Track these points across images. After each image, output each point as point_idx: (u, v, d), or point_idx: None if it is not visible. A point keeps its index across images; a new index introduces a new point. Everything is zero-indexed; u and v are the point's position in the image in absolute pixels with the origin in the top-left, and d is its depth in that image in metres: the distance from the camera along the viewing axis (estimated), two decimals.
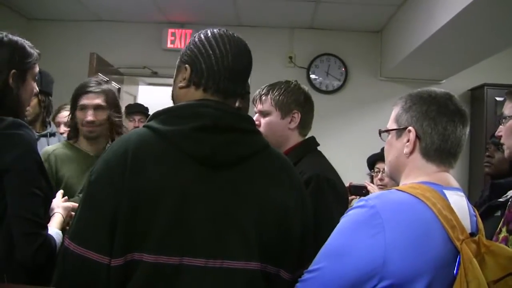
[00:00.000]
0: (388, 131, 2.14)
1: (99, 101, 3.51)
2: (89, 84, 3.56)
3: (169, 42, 7.64)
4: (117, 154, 1.93)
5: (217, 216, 1.90)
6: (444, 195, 1.87)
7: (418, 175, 2.00)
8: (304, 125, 3.05)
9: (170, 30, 7.66)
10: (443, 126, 1.97)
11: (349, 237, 1.82)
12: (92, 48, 6.89)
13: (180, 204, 1.87)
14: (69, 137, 3.70)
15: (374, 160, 4.91)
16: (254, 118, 3.04)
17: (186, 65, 2.12)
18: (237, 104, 2.23)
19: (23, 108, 2.68)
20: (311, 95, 3.11)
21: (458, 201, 1.91)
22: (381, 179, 4.77)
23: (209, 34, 2.13)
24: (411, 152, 2.02)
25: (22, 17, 7.75)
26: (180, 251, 1.85)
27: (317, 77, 7.56)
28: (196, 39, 2.15)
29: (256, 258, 1.91)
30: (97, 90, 3.55)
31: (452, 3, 4.70)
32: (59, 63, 5.97)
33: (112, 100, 3.58)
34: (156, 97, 7.83)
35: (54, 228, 2.60)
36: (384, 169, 4.78)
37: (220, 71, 2.06)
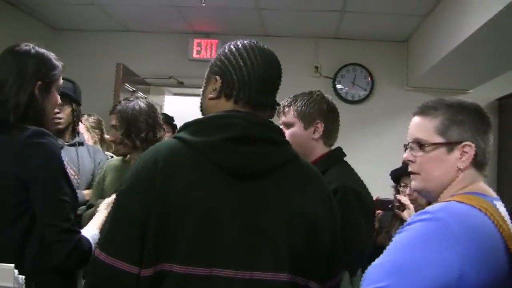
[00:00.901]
0: (436, 144, 2.03)
1: (113, 121, 3.61)
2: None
3: (195, 52, 7.64)
4: (147, 164, 1.93)
5: (246, 227, 1.89)
6: (495, 205, 1.85)
7: (463, 186, 1.96)
8: (329, 135, 3.03)
9: (196, 40, 7.65)
10: (489, 139, 2.03)
11: (420, 252, 1.70)
12: (118, 58, 6.93)
13: (209, 214, 1.87)
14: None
15: (399, 175, 4.84)
16: None
17: (217, 76, 2.11)
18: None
19: (47, 118, 2.71)
20: (337, 105, 3.09)
21: (504, 211, 1.87)
22: (409, 194, 4.71)
23: (240, 45, 2.12)
24: (467, 168, 2.00)
25: (49, 28, 7.81)
26: (209, 261, 1.84)
27: (343, 87, 7.52)
28: (227, 50, 2.13)
29: (285, 269, 1.89)
30: (112, 110, 3.66)
31: (479, 12, 4.66)
32: (86, 73, 6.01)
33: (124, 119, 3.62)
34: (182, 107, 7.85)
35: (94, 229, 2.63)
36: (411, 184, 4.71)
37: (251, 82, 2.05)
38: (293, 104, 3.05)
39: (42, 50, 2.79)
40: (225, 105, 2.06)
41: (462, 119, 2.00)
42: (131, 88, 6.94)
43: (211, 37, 7.66)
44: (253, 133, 1.97)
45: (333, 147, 3.04)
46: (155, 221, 1.84)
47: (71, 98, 3.83)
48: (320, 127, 2.98)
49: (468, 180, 1.97)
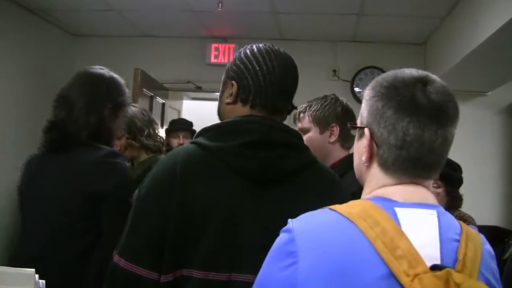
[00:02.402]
0: (353, 127, 1.71)
1: None
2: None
3: (212, 56, 7.65)
4: (166, 170, 1.95)
5: (265, 231, 1.84)
6: (394, 214, 1.42)
7: (374, 187, 1.59)
8: (346, 138, 3.04)
9: (214, 45, 7.67)
10: (403, 128, 1.49)
11: (263, 270, 1.50)
12: (136, 63, 6.96)
13: (228, 220, 1.88)
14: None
15: None
16: None
17: (233, 81, 2.12)
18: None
19: (113, 140, 2.81)
20: (356, 108, 3.09)
21: (420, 222, 1.43)
22: None
23: (255, 50, 2.12)
24: (370, 160, 1.60)
25: (67, 33, 7.85)
26: (228, 267, 1.86)
27: (361, 90, 7.47)
28: (242, 55, 2.14)
29: None
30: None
31: (497, 15, 4.64)
32: None
33: (127, 125, 3.73)
34: (200, 111, 7.87)
35: None
36: (433, 183, 4.73)
37: (267, 87, 2.05)
38: (307, 109, 3.08)
39: (115, 75, 2.98)
40: (242, 110, 2.08)
41: (371, 96, 1.59)
42: (149, 93, 6.96)
43: (229, 42, 7.67)
44: (271, 137, 1.98)
45: (351, 151, 3.04)
46: (174, 227, 1.85)
47: None
48: (336, 130, 2.99)
49: (376, 181, 1.59)
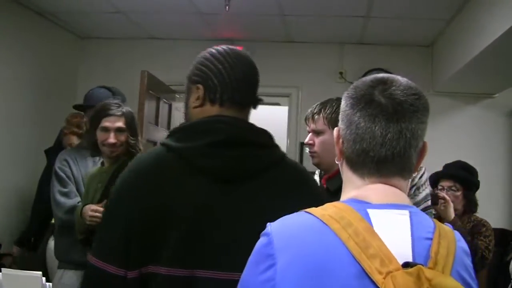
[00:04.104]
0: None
1: (120, 124, 3.72)
2: (111, 107, 3.76)
3: None
4: (135, 173, 2.06)
5: (230, 229, 1.95)
6: (367, 215, 1.45)
7: (348, 189, 1.61)
8: None
9: None
10: (355, 122, 1.55)
11: (245, 273, 1.54)
12: (143, 65, 6.94)
13: (193, 219, 1.94)
14: (93, 155, 4.05)
15: (437, 178, 4.88)
16: (308, 138, 3.12)
17: (198, 85, 2.18)
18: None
19: None
20: None
21: (392, 222, 1.46)
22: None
23: (214, 51, 2.21)
24: (341, 159, 1.65)
25: (74, 36, 7.88)
26: (192, 263, 1.92)
27: None
28: (202, 59, 2.23)
29: None
30: (119, 113, 3.75)
31: (503, 16, 4.64)
32: (111, 81, 6.02)
33: (130, 122, 3.79)
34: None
35: None
36: (449, 186, 4.75)
37: (232, 82, 2.13)
38: (322, 111, 3.04)
39: None
40: (210, 110, 2.14)
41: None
42: (156, 95, 6.97)
43: (236, 44, 7.55)
44: (237, 137, 2.05)
45: None
46: (141, 228, 1.93)
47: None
48: None
49: (348, 181, 1.63)
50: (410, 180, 1.65)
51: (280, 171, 2.10)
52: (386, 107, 1.52)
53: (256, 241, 1.67)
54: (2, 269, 1.67)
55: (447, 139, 7.09)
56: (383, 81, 1.58)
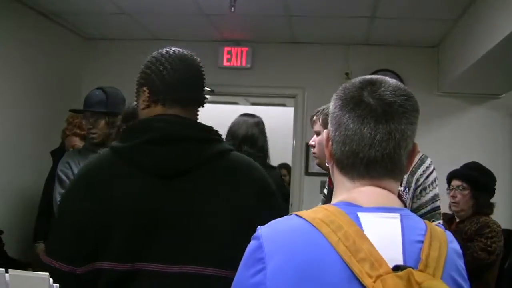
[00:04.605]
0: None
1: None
2: None
3: (225, 60, 7.67)
4: (80, 175, 2.22)
5: (170, 224, 2.04)
6: (357, 218, 1.45)
7: (340, 192, 1.61)
8: None
9: (226, 48, 7.69)
10: (344, 124, 1.55)
11: (237, 277, 1.54)
12: None
13: (135, 215, 2.04)
14: None
15: (450, 177, 4.88)
16: (312, 139, 3.28)
17: (144, 87, 2.28)
18: None
19: None
20: None
21: (382, 226, 1.46)
22: (453, 196, 4.75)
23: (158, 54, 2.33)
24: (331, 162, 1.65)
25: (79, 37, 7.89)
26: (133, 258, 2.01)
27: None
28: (148, 62, 2.35)
29: (212, 263, 2.00)
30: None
31: (510, 17, 4.62)
32: (116, 82, 6.01)
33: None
34: (212, 114, 7.87)
35: None
36: (457, 185, 4.74)
37: (173, 82, 2.22)
38: (319, 113, 3.15)
39: None
40: (155, 110, 2.23)
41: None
42: None
43: (242, 45, 7.68)
44: (173, 134, 2.13)
45: None
46: (86, 227, 2.04)
47: (103, 111, 4.18)
48: None
49: (339, 184, 1.63)
50: (400, 181, 1.65)
51: (223, 163, 2.17)
52: (375, 108, 1.52)
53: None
54: (10, 270, 1.67)
55: (453, 139, 7.11)
56: (371, 82, 1.58)
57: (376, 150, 1.51)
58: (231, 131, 4.78)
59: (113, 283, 1.96)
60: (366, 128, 1.51)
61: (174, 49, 2.34)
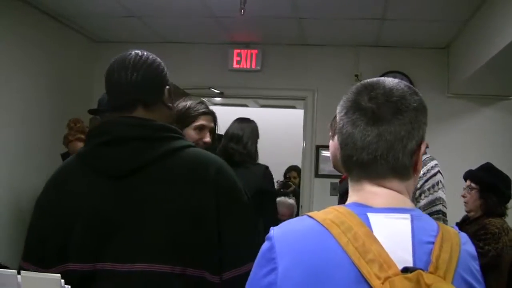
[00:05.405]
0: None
1: (212, 124, 3.64)
2: (205, 106, 3.68)
3: (235, 62, 7.67)
4: (49, 181, 2.28)
5: (126, 223, 2.07)
6: (367, 219, 1.46)
7: (351, 194, 1.62)
8: None
9: (236, 51, 7.69)
10: (343, 128, 1.58)
11: (250, 277, 1.54)
12: None
13: (91, 216, 2.10)
14: None
15: (463, 177, 4.88)
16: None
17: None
18: None
19: None
20: None
21: (392, 227, 1.46)
22: (463, 196, 4.75)
23: (112, 61, 2.34)
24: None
25: (89, 40, 7.91)
26: (94, 258, 2.06)
27: None
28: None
29: (168, 261, 2.01)
30: (211, 113, 3.67)
31: None
32: None
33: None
34: (223, 117, 7.87)
35: None
36: (467, 185, 4.74)
37: (115, 88, 2.28)
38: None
39: None
40: (113, 115, 2.28)
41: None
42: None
43: (251, 47, 7.69)
44: (124, 134, 2.16)
45: None
46: (50, 229, 2.14)
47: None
48: None
49: (350, 186, 1.63)
50: (413, 182, 1.64)
51: (173, 163, 2.16)
52: (365, 111, 1.53)
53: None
54: (21, 271, 1.67)
55: (464, 141, 7.10)
56: (366, 87, 1.59)
57: (368, 152, 1.52)
58: (225, 132, 5.03)
59: (77, 284, 1.96)
60: (356, 131, 1.53)
61: (123, 54, 2.36)
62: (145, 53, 2.37)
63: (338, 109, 1.62)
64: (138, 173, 2.11)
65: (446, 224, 3.27)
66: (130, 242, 2.05)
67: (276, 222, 1.65)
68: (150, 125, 2.22)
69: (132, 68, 2.26)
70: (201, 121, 3.55)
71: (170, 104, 2.40)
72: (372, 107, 1.53)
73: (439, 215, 3.41)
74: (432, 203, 3.41)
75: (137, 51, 2.37)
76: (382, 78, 1.64)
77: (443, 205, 3.45)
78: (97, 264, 2.04)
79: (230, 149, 4.80)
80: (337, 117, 1.63)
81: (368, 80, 1.64)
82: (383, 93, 1.55)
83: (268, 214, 4.59)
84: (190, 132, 3.51)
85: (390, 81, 1.61)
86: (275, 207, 4.89)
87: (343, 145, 1.57)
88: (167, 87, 2.39)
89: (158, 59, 2.42)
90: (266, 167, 4.82)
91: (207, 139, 3.55)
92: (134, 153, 2.13)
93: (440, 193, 3.46)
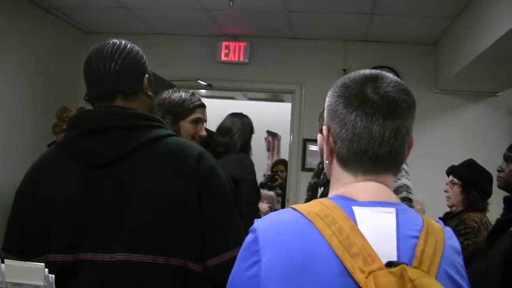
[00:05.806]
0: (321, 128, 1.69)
1: (206, 117, 3.61)
2: (199, 98, 3.63)
3: (223, 55, 7.66)
4: (29, 172, 2.27)
5: (105, 213, 2.06)
6: (352, 212, 1.44)
7: (337, 187, 1.59)
8: None
9: (224, 43, 7.68)
10: (351, 122, 1.53)
11: (234, 270, 1.52)
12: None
13: (71, 206, 2.08)
14: None
15: (446, 172, 4.91)
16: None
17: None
18: None
19: None
20: None
21: (377, 220, 1.45)
22: (446, 191, 4.79)
23: (90, 49, 2.31)
24: (331, 157, 1.63)
25: (78, 31, 7.89)
26: (76, 248, 2.05)
27: None
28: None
29: (149, 251, 2.00)
30: (204, 105, 3.64)
31: (509, 14, 4.62)
32: None
33: None
34: (210, 109, 7.88)
35: None
36: (451, 180, 4.78)
37: (94, 79, 2.25)
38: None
39: None
40: (97, 106, 2.27)
41: (328, 95, 1.66)
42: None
43: (240, 40, 7.68)
44: (103, 123, 2.15)
45: None
46: (31, 220, 2.12)
47: None
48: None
49: (338, 178, 1.61)
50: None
51: (152, 151, 2.15)
52: (381, 105, 1.51)
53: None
54: (5, 260, 1.67)
55: (451, 137, 7.11)
56: (372, 78, 1.57)
57: (385, 146, 1.51)
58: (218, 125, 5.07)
59: (58, 275, 1.88)
60: (375, 126, 1.51)
61: (100, 44, 2.33)
62: (123, 42, 2.34)
63: (339, 100, 1.58)
64: (118, 162, 2.10)
65: (412, 208, 3.28)
66: (110, 232, 2.04)
67: (256, 211, 1.65)
68: (130, 114, 2.20)
69: (110, 58, 2.24)
70: (197, 114, 3.51)
71: (150, 93, 2.35)
72: (387, 100, 1.52)
73: (404, 202, 3.42)
74: (396, 190, 3.40)
75: (115, 40, 2.33)
76: (378, 71, 1.63)
77: (407, 191, 3.43)
78: (78, 255, 2.04)
79: (216, 141, 4.85)
80: (337, 110, 1.58)
81: (367, 71, 1.62)
82: (393, 86, 1.55)
83: (241, 201, 4.59)
84: (187, 125, 3.48)
85: (388, 74, 1.61)
86: (251, 195, 4.83)
87: (355, 139, 1.53)
88: (146, 75, 2.36)
89: (136, 47, 2.39)
90: (243, 156, 4.83)
91: (203, 132, 3.52)
92: (113, 143, 2.12)
93: (404, 180, 3.45)
